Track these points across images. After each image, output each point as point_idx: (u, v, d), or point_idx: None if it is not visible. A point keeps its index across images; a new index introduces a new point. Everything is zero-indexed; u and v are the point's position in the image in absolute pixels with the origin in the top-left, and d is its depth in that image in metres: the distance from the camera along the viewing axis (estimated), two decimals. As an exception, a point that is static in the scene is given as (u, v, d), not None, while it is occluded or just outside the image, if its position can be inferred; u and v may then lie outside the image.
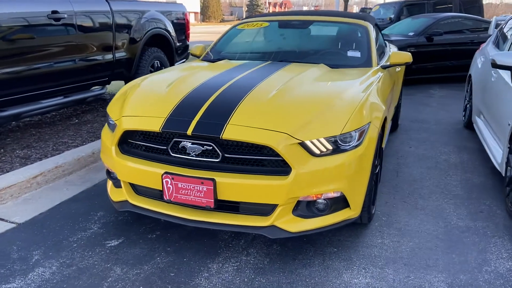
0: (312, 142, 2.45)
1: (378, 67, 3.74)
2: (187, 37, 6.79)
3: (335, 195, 2.55)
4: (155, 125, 2.56)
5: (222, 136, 2.40)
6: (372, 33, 4.03)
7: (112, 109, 2.92)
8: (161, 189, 2.54)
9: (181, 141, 2.53)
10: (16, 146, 4.28)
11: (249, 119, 2.48)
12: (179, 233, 2.92)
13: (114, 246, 2.76)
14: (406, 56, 3.80)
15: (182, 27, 6.62)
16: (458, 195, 3.61)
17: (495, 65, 3.78)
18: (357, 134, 2.58)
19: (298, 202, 2.52)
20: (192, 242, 2.82)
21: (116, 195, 2.86)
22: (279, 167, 2.45)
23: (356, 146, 2.57)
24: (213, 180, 2.42)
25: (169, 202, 2.56)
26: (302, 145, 2.43)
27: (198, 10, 79.21)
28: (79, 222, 3.06)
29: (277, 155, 2.40)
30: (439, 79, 9.36)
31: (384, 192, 3.64)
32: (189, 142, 2.50)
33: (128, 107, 2.81)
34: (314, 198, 2.53)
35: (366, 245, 2.82)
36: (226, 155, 2.47)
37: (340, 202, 2.60)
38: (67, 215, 3.17)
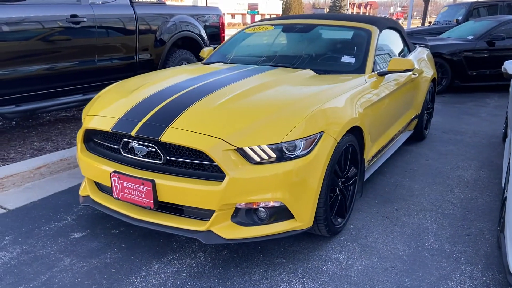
0: (252, 149, 2.41)
1: (372, 73, 3.56)
2: (222, 39, 6.92)
3: (275, 204, 2.49)
4: (107, 125, 2.68)
5: (161, 139, 2.45)
6: (375, 38, 3.84)
7: (85, 108, 3.09)
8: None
9: (130, 142, 2.61)
10: (37, 139, 4.66)
11: (190, 124, 2.50)
12: (141, 230, 3.02)
13: (76, 238, 2.92)
14: (406, 63, 3.58)
15: (216, 30, 6.76)
16: (450, 214, 3.33)
17: (507, 75, 3.44)
18: (302, 143, 2.49)
19: (237, 209, 2.50)
20: (148, 240, 2.90)
21: (83, 189, 3.02)
22: (217, 172, 2.44)
23: (301, 156, 2.49)
24: (152, 181, 2.47)
25: (117, 199, 2.66)
26: (240, 151, 2.40)
27: (280, 12, 79.84)
28: (59, 212, 3.27)
29: (213, 160, 2.40)
30: (500, 87, 8.64)
31: (371, 204, 3.47)
32: (136, 143, 2.58)
33: (94, 107, 2.96)
34: (255, 206, 2.49)
35: (319, 259, 2.71)
36: (168, 157, 2.51)
37: (282, 212, 2.53)
38: (53, 205, 3.40)
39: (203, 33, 6.38)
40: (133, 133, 2.54)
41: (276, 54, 3.96)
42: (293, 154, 2.48)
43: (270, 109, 2.62)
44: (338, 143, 2.69)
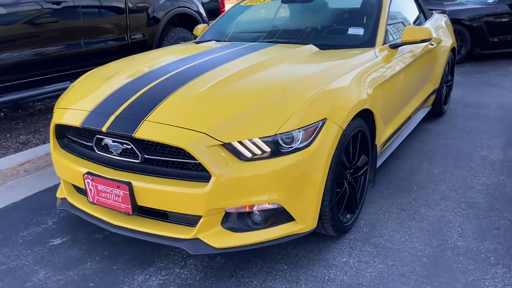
0: (241, 143, 2.05)
1: (383, 46, 3.13)
2: (222, 16, 6.47)
3: (272, 206, 2.14)
4: (77, 119, 2.34)
5: (135, 135, 2.10)
6: (386, 5, 3.39)
7: (58, 100, 2.75)
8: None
9: (103, 138, 2.27)
10: (24, 131, 4.36)
11: (169, 115, 2.14)
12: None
13: (54, 246, 2.63)
14: (423, 32, 3.13)
15: (215, 4, 6.32)
16: (475, 204, 2.94)
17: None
18: (301, 133, 2.12)
19: (228, 213, 2.15)
20: (133, 246, 2.59)
21: (60, 191, 2.71)
22: (202, 171, 2.09)
23: (300, 149, 2.12)
24: (129, 184, 2.14)
25: (93, 204, 2.34)
26: (227, 146, 2.04)
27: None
28: (39, 215, 2.98)
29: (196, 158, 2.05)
30: (524, 54, 8.06)
31: (385, 195, 3.09)
32: (110, 139, 2.24)
33: (65, 98, 2.62)
34: (248, 210, 2.15)
35: (325, 264, 2.37)
36: (146, 156, 2.17)
37: (281, 215, 2.18)
38: (34, 206, 3.10)
39: (201, 9, 5.95)
40: (104, 129, 2.19)
41: (275, 29, 3.54)
42: (291, 147, 2.11)
43: (263, 95, 2.24)
44: (344, 130, 2.31)
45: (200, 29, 4.07)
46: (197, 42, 3.69)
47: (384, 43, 3.16)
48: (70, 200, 2.58)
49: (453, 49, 4.83)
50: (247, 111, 2.13)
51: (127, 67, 2.81)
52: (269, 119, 2.11)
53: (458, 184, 3.23)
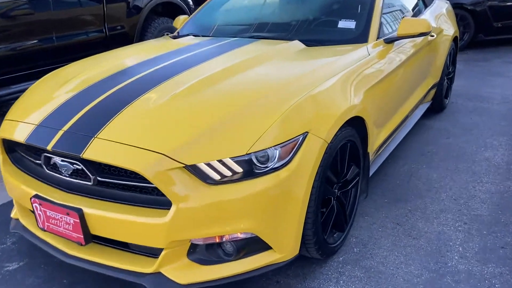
0: (209, 165, 1.76)
1: (378, 41, 2.81)
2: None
3: (244, 236, 1.85)
4: (22, 134, 2.04)
5: (83, 156, 1.80)
6: (381, -6, 3.05)
7: (10, 108, 2.44)
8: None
9: (51, 157, 1.98)
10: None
11: (124, 132, 1.84)
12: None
13: (9, 271, 2.36)
14: (421, 25, 2.81)
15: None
16: (478, 216, 2.66)
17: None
18: (278, 151, 1.82)
19: (195, 244, 1.87)
20: (94, 274, 2.30)
21: (15, 210, 2.42)
22: (163, 196, 1.80)
23: (277, 168, 1.82)
24: (79, 211, 1.86)
25: (43, 230, 2.06)
26: (191, 169, 1.74)
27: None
28: (-2, 233, 2.71)
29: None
30: (530, 39, 7.68)
31: (379, 205, 2.81)
32: (59, 158, 1.94)
33: (14, 107, 2.32)
34: (218, 241, 1.86)
35: (309, 294, 2.10)
36: (99, 178, 1.88)
37: (256, 244, 1.90)
38: (-5, 222, 2.83)
39: (188, -3, 5.60)
40: (49, 147, 1.90)
41: (258, 22, 3.21)
42: (266, 167, 1.82)
43: (235, 105, 1.94)
44: (329, 143, 2.02)
45: (180, 21, 3.74)
46: (174, 37, 3.37)
47: (378, 38, 2.84)
48: (23, 222, 2.30)
49: (455, 39, 4.49)
50: (215, 126, 1.83)
51: (86, 70, 2.50)
52: (240, 135, 1.81)
53: (459, 192, 2.94)
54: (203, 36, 3.20)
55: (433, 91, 4.12)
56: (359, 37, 2.78)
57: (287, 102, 1.95)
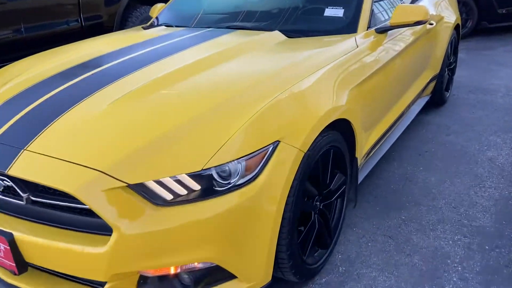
0: (159, 183, 1.47)
1: (369, 31, 2.51)
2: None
3: (203, 266, 1.57)
4: None
5: (9, 172, 1.52)
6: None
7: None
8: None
9: (-20, 172, 1.70)
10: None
11: (58, 143, 1.56)
12: None
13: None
14: (417, 12, 2.50)
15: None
16: (481, 228, 2.37)
17: None
18: (242, 165, 1.54)
19: (144, 276, 1.59)
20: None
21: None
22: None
23: (241, 185, 1.54)
24: (9, 236, 1.58)
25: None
26: (136, 188, 1.46)
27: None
28: None
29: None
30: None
31: (369, 215, 2.53)
32: (-12, 174, 1.66)
33: None
34: (172, 272, 1.58)
35: (284, 325, 1.83)
36: (33, 197, 1.60)
37: (219, 273, 1.63)
38: None
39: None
40: (-26, 161, 1.61)
41: (236, 10, 2.89)
42: (228, 184, 1.53)
43: (193, 109, 1.65)
44: (307, 152, 1.73)
45: (156, 9, 3.43)
46: (147, 27, 3.06)
47: (369, 27, 2.53)
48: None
49: (457, 27, 4.16)
50: (168, 136, 1.54)
51: (33, 67, 2.21)
52: (197, 146, 1.52)
53: (459, 199, 2.65)
54: (177, 26, 2.89)
55: (432, 84, 3.81)
56: (347, 26, 2.48)
57: (255, 105, 1.66)
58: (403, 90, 2.98)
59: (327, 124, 1.85)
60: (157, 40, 2.50)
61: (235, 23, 2.72)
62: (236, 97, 1.70)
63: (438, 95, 4.00)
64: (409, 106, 3.19)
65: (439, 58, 3.75)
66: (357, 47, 2.32)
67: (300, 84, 1.84)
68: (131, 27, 4.78)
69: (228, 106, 1.65)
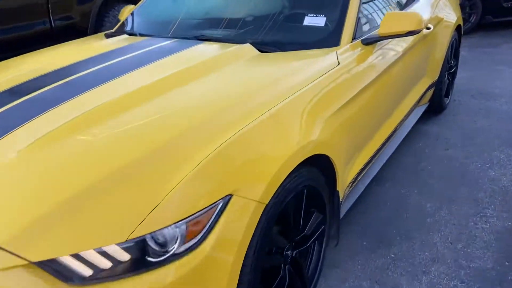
0: (76, 256, 1.18)
1: (354, 42, 2.19)
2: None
3: None
4: None
5: None
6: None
7: None
8: None
9: None
10: None
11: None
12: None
13: None
14: (409, 21, 2.17)
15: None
16: (481, 270, 2.07)
17: None
18: (182, 229, 1.24)
19: None
20: None
21: None
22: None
23: (182, 254, 1.24)
24: None
25: None
26: (43, 266, 1.16)
27: None
28: None
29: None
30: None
31: (355, 251, 2.24)
32: None
33: None
34: None
35: None
36: None
37: None
38: None
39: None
40: None
41: (206, 17, 2.57)
42: (165, 253, 1.23)
43: (123, 156, 1.35)
44: (269, 203, 1.42)
45: (125, 13, 3.11)
46: (110, 35, 2.74)
47: (354, 38, 2.21)
48: None
49: (458, 27, 3.82)
50: (87, 194, 1.24)
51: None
52: (125, 206, 1.22)
53: (457, 232, 2.35)
54: (141, 35, 2.58)
55: (430, 92, 3.49)
56: (328, 38, 2.16)
57: (202, 150, 1.36)
58: (395, 104, 2.67)
59: (296, 164, 1.55)
60: (113, 54, 2.19)
61: (204, 32, 2.40)
62: (180, 138, 1.40)
63: (437, 102, 3.68)
64: (403, 120, 2.88)
65: (437, 63, 3.42)
66: (339, 64, 2.00)
67: (263, 117, 1.54)
68: (109, 27, 4.45)
69: (168, 151, 1.35)
